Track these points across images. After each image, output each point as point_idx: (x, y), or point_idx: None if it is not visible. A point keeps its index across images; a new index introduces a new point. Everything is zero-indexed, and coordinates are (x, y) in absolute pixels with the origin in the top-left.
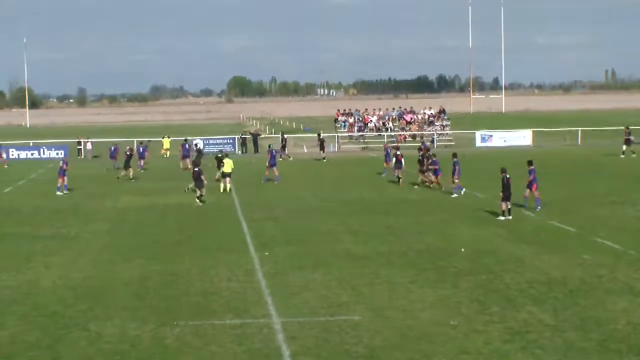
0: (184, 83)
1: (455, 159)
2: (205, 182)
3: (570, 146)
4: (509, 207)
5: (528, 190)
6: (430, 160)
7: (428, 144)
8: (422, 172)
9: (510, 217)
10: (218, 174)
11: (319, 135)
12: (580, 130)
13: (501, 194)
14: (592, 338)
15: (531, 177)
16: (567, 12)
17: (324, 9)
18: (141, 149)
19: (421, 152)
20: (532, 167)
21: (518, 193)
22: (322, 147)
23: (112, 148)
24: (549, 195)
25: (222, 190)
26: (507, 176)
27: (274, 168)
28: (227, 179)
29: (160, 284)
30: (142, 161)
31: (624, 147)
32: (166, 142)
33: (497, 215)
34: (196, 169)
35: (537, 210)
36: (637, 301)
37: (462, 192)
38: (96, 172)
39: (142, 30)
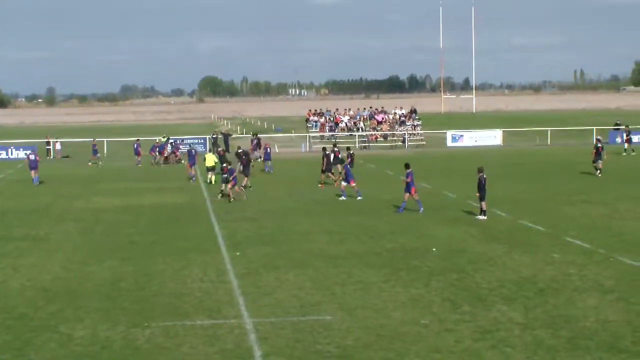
0: (154, 83)
1: (346, 163)
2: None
3: (540, 146)
4: (484, 207)
5: (407, 194)
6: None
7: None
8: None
9: (484, 218)
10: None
11: (255, 135)
12: (549, 131)
13: (477, 193)
14: (561, 335)
15: (408, 180)
16: (537, 13)
17: (297, 10)
18: (135, 145)
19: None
20: (410, 170)
21: (488, 193)
22: (257, 148)
23: (135, 145)
24: (520, 195)
25: (212, 183)
26: (484, 176)
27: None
28: (211, 173)
29: (133, 285)
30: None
31: (626, 146)
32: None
33: (473, 214)
34: (224, 165)
35: (420, 211)
36: (606, 299)
37: (343, 197)
38: (67, 172)
39: (113, 30)
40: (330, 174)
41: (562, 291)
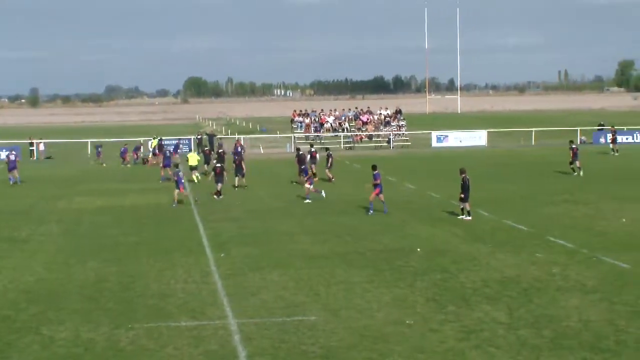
0: (139, 83)
1: (304, 165)
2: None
3: (524, 146)
4: (468, 208)
5: (374, 195)
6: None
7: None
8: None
9: (469, 218)
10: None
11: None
12: (534, 131)
13: (461, 194)
14: (545, 335)
15: (377, 181)
16: (521, 14)
17: (282, 10)
18: (122, 149)
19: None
20: (377, 172)
21: (472, 194)
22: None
23: (122, 149)
24: (504, 195)
25: (196, 181)
26: (467, 177)
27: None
28: (194, 172)
29: (116, 287)
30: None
31: (612, 146)
32: (154, 143)
33: (456, 215)
34: (219, 165)
35: (385, 213)
36: (589, 298)
37: (308, 201)
38: (50, 173)
39: (97, 30)
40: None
41: (545, 291)
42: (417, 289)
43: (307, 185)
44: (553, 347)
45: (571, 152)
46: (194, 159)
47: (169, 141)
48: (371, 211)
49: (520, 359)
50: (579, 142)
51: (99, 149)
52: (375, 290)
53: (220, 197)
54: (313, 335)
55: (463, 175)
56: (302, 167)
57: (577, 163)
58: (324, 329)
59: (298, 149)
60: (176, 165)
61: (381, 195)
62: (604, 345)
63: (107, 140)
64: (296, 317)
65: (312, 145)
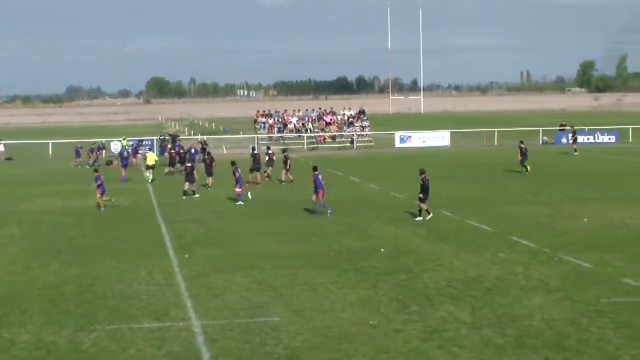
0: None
1: (234, 166)
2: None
3: (487, 146)
4: (425, 207)
5: (315, 196)
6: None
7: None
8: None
9: (430, 216)
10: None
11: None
12: (496, 131)
13: (420, 195)
14: (508, 334)
15: (316, 182)
16: (484, 15)
17: (244, 11)
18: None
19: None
20: (317, 173)
21: (433, 193)
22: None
23: (77, 147)
24: (467, 195)
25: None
26: (427, 177)
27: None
28: (150, 170)
29: (78, 289)
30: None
31: (574, 146)
32: (124, 143)
33: (415, 215)
34: (189, 165)
35: (329, 214)
36: (551, 298)
37: (240, 203)
38: (10, 174)
39: (58, 30)
40: (257, 173)
41: (508, 290)
42: (381, 289)
43: (237, 189)
44: (516, 346)
45: (520, 151)
46: (151, 158)
47: (132, 142)
48: (317, 212)
49: (484, 358)
50: (540, 142)
51: (79, 150)
52: (339, 291)
53: (196, 196)
54: (277, 336)
55: (423, 176)
56: (254, 166)
57: (526, 162)
58: (288, 330)
59: (253, 149)
60: (96, 170)
61: (322, 199)
62: (567, 344)
63: (68, 140)
64: (260, 318)
65: (268, 148)
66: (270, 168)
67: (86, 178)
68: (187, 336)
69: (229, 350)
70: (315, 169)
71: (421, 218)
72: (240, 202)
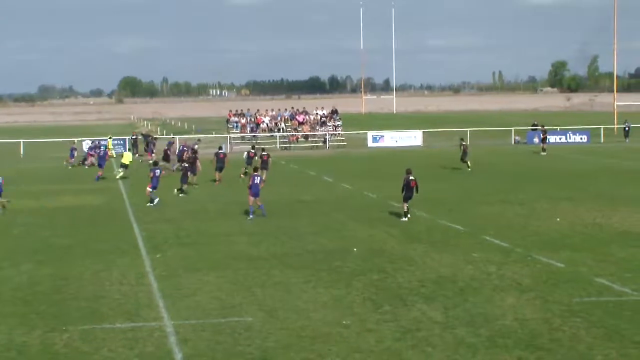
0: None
1: (156, 168)
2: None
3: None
4: (407, 208)
5: (252, 198)
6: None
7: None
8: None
9: (409, 217)
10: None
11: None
12: (469, 131)
13: (402, 194)
14: (481, 334)
15: (251, 183)
16: (456, 15)
17: (216, 10)
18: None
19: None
20: (256, 174)
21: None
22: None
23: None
24: (440, 194)
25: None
26: (411, 177)
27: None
28: (122, 169)
29: (50, 289)
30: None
31: (542, 146)
32: (110, 143)
33: (396, 215)
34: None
35: (264, 216)
36: (524, 297)
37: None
38: None
39: (29, 28)
40: (218, 173)
41: (481, 290)
42: (354, 289)
43: (148, 189)
44: (489, 345)
45: (462, 149)
46: (127, 157)
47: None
48: (251, 215)
49: (456, 358)
50: (513, 142)
51: (74, 151)
52: (312, 291)
53: (183, 195)
54: (249, 337)
55: (407, 176)
56: (218, 165)
57: (467, 158)
58: (261, 330)
59: (220, 148)
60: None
61: (257, 200)
62: (539, 343)
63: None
64: (232, 318)
65: (253, 147)
66: (248, 167)
67: (59, 178)
68: (159, 336)
69: (201, 351)
70: (255, 170)
71: (406, 219)
72: (150, 205)
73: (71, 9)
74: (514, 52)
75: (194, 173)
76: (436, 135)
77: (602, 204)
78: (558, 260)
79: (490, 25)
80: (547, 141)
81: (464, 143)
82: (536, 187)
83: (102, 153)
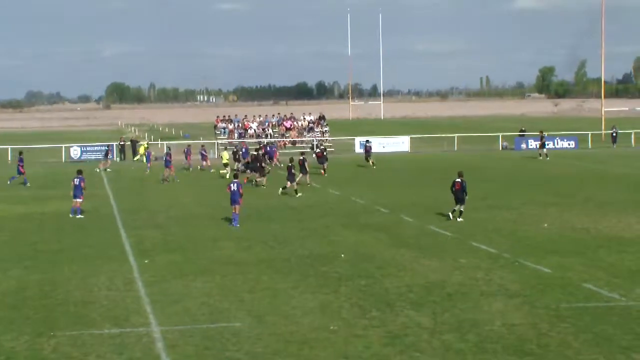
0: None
1: (78, 175)
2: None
3: (447, 152)
4: (461, 210)
5: (236, 206)
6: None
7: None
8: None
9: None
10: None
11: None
12: (456, 137)
13: (454, 198)
14: (468, 339)
15: (229, 190)
16: (443, 20)
17: (203, 16)
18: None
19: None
20: (236, 181)
21: (394, 198)
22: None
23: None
24: (427, 200)
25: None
26: (456, 180)
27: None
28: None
29: (38, 294)
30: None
31: (541, 151)
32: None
33: (448, 217)
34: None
35: (235, 225)
36: (512, 303)
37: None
38: None
39: (16, 34)
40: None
41: (469, 295)
42: (342, 295)
43: (79, 200)
44: (477, 351)
45: (364, 149)
46: (225, 156)
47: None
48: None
49: None
50: (500, 148)
51: (108, 153)
52: (300, 296)
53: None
54: (238, 342)
55: (460, 179)
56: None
57: (369, 158)
58: (249, 335)
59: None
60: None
61: (237, 207)
62: (527, 349)
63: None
64: (220, 323)
65: (257, 150)
66: (252, 173)
67: (46, 184)
68: (147, 342)
69: (189, 356)
70: (235, 176)
71: (452, 219)
72: (80, 216)
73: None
74: (501, 58)
75: (262, 174)
76: (424, 140)
77: (590, 210)
78: (546, 265)
79: (477, 31)
80: (545, 146)
81: (368, 144)
82: (524, 192)
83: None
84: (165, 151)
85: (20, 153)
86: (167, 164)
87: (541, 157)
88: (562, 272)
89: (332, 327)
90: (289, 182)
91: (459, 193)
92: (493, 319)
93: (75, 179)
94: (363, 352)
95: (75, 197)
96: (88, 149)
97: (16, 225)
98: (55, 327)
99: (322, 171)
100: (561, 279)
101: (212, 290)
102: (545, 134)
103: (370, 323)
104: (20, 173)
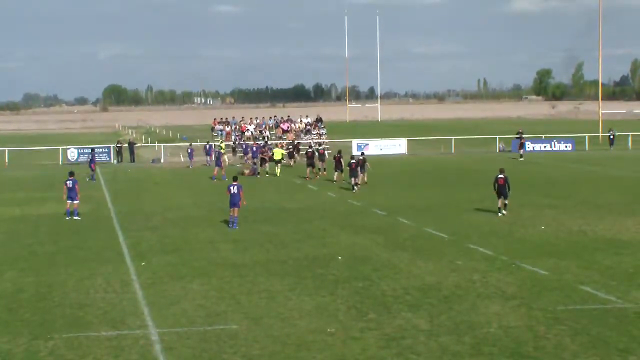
0: (57, 91)
1: (71, 177)
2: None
3: (444, 154)
4: (505, 203)
5: (235, 208)
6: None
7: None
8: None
9: (503, 213)
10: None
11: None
12: (454, 139)
13: (495, 193)
14: (465, 342)
15: (229, 193)
16: (441, 22)
17: (201, 18)
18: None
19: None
20: (235, 183)
21: (391, 200)
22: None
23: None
24: (424, 202)
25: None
26: (500, 176)
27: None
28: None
29: (34, 296)
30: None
31: (521, 151)
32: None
33: (497, 212)
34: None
35: (234, 228)
36: (509, 305)
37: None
38: None
39: (13, 36)
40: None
41: (466, 298)
42: (339, 297)
43: (75, 202)
44: (474, 353)
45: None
46: (278, 154)
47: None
48: (232, 225)
49: None
50: (497, 150)
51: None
52: (296, 299)
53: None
54: (235, 344)
55: (503, 175)
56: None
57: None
58: (246, 338)
59: (352, 157)
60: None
61: (236, 210)
62: (524, 351)
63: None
64: (217, 326)
65: (339, 152)
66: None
67: (43, 186)
68: (144, 344)
69: (186, 359)
70: (235, 178)
71: (500, 214)
72: (77, 217)
73: (54, 17)
74: (499, 60)
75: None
76: (421, 143)
77: (586, 212)
78: (542, 267)
79: (474, 33)
80: (525, 147)
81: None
82: (521, 194)
83: (216, 154)
84: (211, 149)
85: (92, 150)
86: (218, 162)
87: (522, 159)
88: (559, 275)
89: (329, 330)
90: (352, 179)
91: (503, 188)
92: (490, 321)
93: (68, 181)
94: (360, 355)
95: (70, 199)
96: (85, 151)
97: (12, 227)
98: (51, 329)
99: (322, 171)
100: (558, 281)
101: (209, 292)
102: (522, 134)
103: (367, 325)
104: (92, 170)
